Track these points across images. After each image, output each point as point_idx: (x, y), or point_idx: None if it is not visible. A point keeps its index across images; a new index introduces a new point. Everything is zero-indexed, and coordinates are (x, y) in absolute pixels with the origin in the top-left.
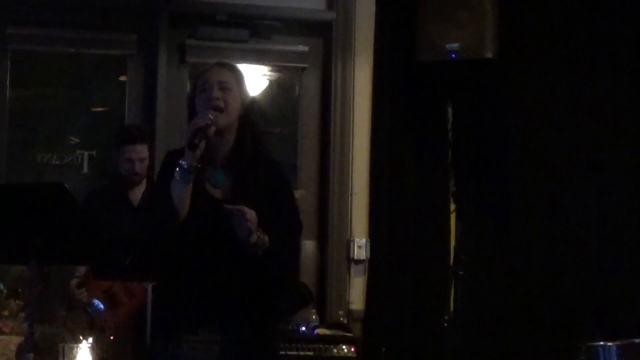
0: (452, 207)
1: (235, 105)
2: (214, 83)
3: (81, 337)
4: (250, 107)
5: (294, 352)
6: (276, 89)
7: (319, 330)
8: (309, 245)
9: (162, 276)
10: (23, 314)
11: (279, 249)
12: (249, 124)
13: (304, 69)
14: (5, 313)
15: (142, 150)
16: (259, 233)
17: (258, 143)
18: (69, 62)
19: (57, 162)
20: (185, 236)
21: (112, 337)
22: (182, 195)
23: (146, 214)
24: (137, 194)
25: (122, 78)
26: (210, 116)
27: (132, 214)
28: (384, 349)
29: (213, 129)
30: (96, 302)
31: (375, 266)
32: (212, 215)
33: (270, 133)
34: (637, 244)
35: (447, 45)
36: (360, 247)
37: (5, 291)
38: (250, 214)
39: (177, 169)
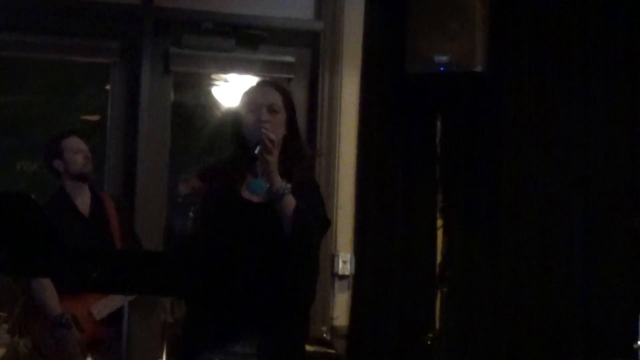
0: (440, 222)
1: (281, 127)
2: (262, 105)
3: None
4: (294, 126)
5: None
6: None
7: None
8: None
9: (191, 288)
10: (6, 326)
11: (305, 212)
12: (292, 141)
13: (290, 79)
14: None
15: (82, 144)
16: (284, 182)
17: (301, 159)
18: (54, 69)
19: (41, 171)
20: (219, 243)
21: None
22: None
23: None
24: (85, 203)
25: (108, 86)
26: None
27: (83, 224)
28: None
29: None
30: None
31: (360, 282)
32: (249, 220)
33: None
34: (624, 261)
35: (436, 58)
36: (345, 262)
37: None
38: (273, 158)
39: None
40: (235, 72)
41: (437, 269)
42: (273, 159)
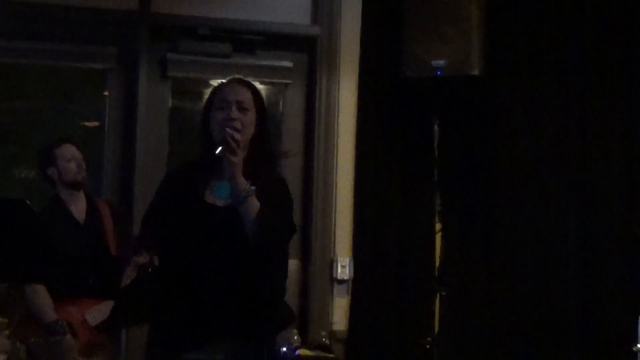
0: (438, 226)
1: (250, 126)
2: (232, 102)
3: None
4: (264, 126)
5: None
6: None
7: (300, 351)
8: (291, 265)
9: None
10: (7, 332)
11: (269, 217)
12: (261, 142)
13: (288, 84)
14: None
15: (74, 149)
16: (247, 184)
17: (269, 161)
18: (50, 75)
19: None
20: (182, 249)
21: None
22: None
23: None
24: (80, 209)
25: (106, 92)
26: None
27: (78, 231)
28: None
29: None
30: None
31: (358, 286)
32: (213, 225)
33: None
34: (621, 264)
35: (432, 62)
36: (343, 266)
37: None
38: (237, 158)
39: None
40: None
41: (436, 273)
42: (237, 159)
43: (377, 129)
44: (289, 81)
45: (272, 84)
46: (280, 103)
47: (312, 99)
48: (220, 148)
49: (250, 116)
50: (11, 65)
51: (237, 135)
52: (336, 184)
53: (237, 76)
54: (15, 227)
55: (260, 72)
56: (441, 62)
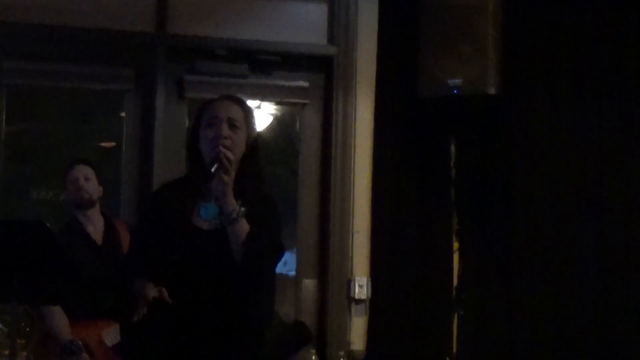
0: (455, 245)
1: (241, 144)
2: (223, 119)
3: None
4: (254, 145)
5: None
6: (276, 124)
7: None
8: (309, 284)
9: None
10: (25, 353)
11: (257, 240)
12: (251, 162)
13: (304, 104)
14: (6, 352)
15: (85, 169)
16: (238, 205)
17: (257, 181)
18: (68, 97)
19: (57, 199)
20: (169, 271)
21: None
22: None
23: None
24: (98, 231)
25: (123, 114)
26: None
27: (96, 252)
28: None
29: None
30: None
31: (376, 306)
32: (199, 249)
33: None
34: (639, 282)
35: (449, 81)
36: (361, 286)
37: (5, 329)
38: (229, 178)
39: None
40: (249, 98)
41: (454, 292)
42: (229, 179)
43: (393, 148)
44: (306, 101)
45: (288, 104)
46: (297, 123)
47: (328, 119)
48: (215, 166)
49: (241, 134)
50: (28, 87)
51: (230, 154)
52: (353, 203)
53: (228, 94)
54: (33, 249)
55: (277, 92)
56: (457, 81)
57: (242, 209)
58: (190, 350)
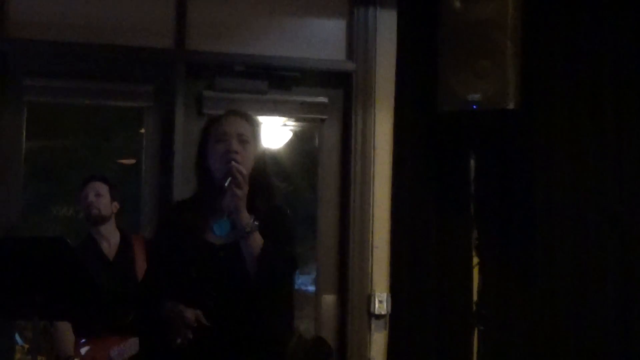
0: (475, 260)
1: (250, 158)
2: (233, 135)
3: None
4: (263, 159)
5: None
6: (295, 140)
7: None
8: (328, 300)
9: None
10: None
11: (271, 253)
12: (261, 175)
13: (323, 120)
14: None
15: (98, 185)
16: (251, 218)
17: (268, 194)
18: (87, 114)
19: (77, 216)
20: (186, 289)
21: None
22: None
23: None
24: (112, 246)
25: (143, 130)
26: (235, 169)
27: (106, 268)
28: None
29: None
30: None
31: (396, 321)
32: (214, 265)
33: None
34: None
35: (468, 96)
36: (381, 301)
37: (26, 346)
38: (242, 192)
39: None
40: (269, 114)
41: (474, 307)
42: (242, 193)
43: (413, 164)
44: (325, 117)
45: (307, 119)
46: (316, 139)
47: (347, 135)
48: (228, 180)
49: (250, 148)
50: (48, 104)
51: (242, 168)
52: (373, 218)
53: (233, 109)
54: (54, 265)
55: (296, 108)
56: (477, 96)
57: (256, 222)
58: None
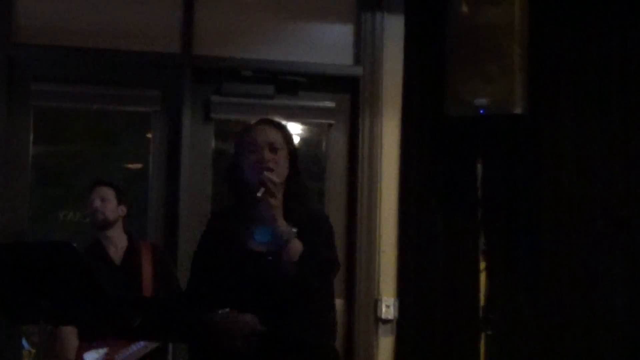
0: (482, 265)
1: (283, 166)
2: (264, 145)
3: None
4: (296, 165)
5: None
6: (302, 144)
7: None
8: (336, 305)
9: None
10: None
11: (311, 259)
12: (295, 181)
13: (330, 124)
14: None
15: (103, 190)
16: (289, 226)
17: (304, 199)
18: (95, 118)
19: (84, 221)
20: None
21: None
22: None
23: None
24: (119, 251)
25: (150, 135)
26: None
27: (112, 272)
28: None
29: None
30: None
31: (403, 326)
32: (259, 271)
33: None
34: None
35: (475, 101)
36: (388, 306)
37: (33, 351)
38: (276, 201)
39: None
40: (276, 119)
41: (481, 312)
42: (277, 202)
43: (420, 168)
44: (332, 121)
45: (314, 124)
46: (323, 143)
47: (355, 139)
48: (262, 190)
49: (282, 157)
50: (56, 109)
51: (274, 177)
52: (380, 223)
53: (266, 117)
54: (61, 269)
55: (303, 113)
56: (484, 101)
57: (294, 229)
58: None
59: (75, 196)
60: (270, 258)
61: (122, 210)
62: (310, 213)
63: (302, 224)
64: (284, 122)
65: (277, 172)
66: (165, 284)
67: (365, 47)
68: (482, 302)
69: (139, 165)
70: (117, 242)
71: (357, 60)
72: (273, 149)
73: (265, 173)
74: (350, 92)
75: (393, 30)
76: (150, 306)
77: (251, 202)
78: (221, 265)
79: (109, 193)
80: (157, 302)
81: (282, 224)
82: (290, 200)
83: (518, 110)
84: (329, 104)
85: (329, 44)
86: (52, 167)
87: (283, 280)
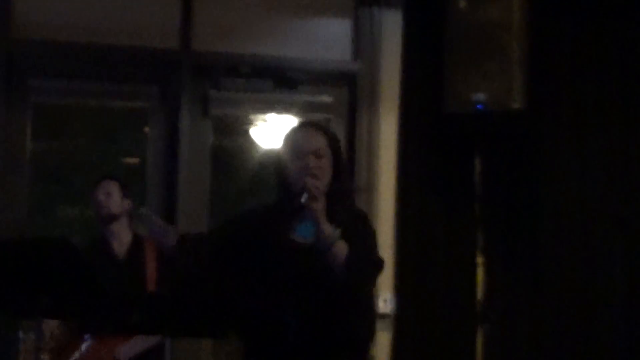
0: (480, 260)
1: (327, 170)
2: (309, 151)
3: None
4: (340, 167)
5: None
6: None
7: None
8: None
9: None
10: None
11: (357, 260)
12: (339, 183)
13: (328, 119)
14: None
15: (108, 184)
16: (333, 228)
17: (349, 200)
18: (93, 114)
19: (82, 216)
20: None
21: None
22: None
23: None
24: (123, 245)
25: (148, 130)
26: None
27: (116, 266)
28: None
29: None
30: None
31: (401, 321)
32: (302, 265)
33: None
34: None
35: (473, 96)
36: (385, 301)
37: (29, 343)
38: (319, 205)
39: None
40: (274, 113)
41: (478, 307)
42: (320, 206)
43: (418, 164)
44: (330, 117)
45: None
46: None
47: (352, 134)
48: (305, 195)
49: (326, 162)
50: (54, 105)
51: (318, 183)
52: (378, 218)
53: (309, 120)
54: (58, 265)
55: (301, 108)
56: (482, 97)
57: (338, 231)
58: None
59: (73, 192)
60: (312, 253)
61: (127, 204)
62: (353, 214)
63: (346, 224)
64: (325, 125)
65: (321, 178)
66: (169, 280)
67: (364, 43)
68: (479, 297)
69: (136, 161)
70: (122, 237)
71: (356, 55)
72: (318, 155)
73: (309, 180)
74: (348, 87)
75: (391, 26)
76: (149, 301)
77: (295, 202)
78: (259, 254)
79: (114, 187)
80: (156, 297)
81: (326, 228)
82: (333, 201)
83: (516, 106)
84: (327, 99)
85: (327, 39)
86: (50, 163)
87: (327, 279)
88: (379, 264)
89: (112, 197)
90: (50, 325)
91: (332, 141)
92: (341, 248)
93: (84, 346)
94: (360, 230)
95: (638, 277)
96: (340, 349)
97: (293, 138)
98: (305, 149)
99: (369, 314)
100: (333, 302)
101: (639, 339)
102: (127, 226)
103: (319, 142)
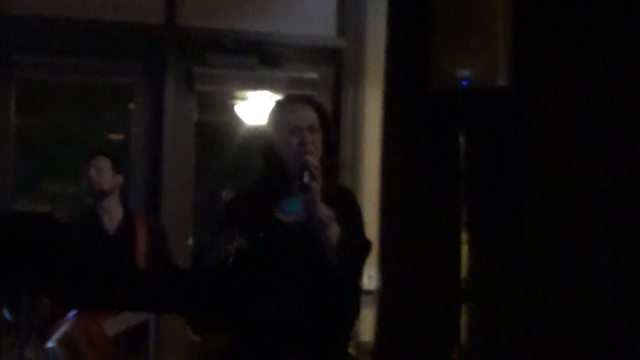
0: (465, 237)
1: (319, 147)
2: (304, 127)
3: None
4: (332, 142)
5: None
6: None
7: None
8: None
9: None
10: None
11: (350, 242)
12: (329, 160)
13: (313, 96)
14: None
15: (99, 160)
16: (327, 209)
17: (335, 178)
18: (78, 90)
19: (67, 192)
20: (256, 265)
21: None
22: None
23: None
24: (113, 221)
25: (132, 106)
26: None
27: (106, 242)
28: None
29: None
30: (51, 346)
31: (385, 297)
32: (288, 242)
33: None
34: None
35: (458, 73)
36: (370, 277)
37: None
38: (318, 184)
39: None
40: (259, 90)
41: (463, 284)
42: (317, 185)
43: (403, 141)
44: (315, 93)
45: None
46: None
47: (337, 111)
48: (307, 174)
49: (318, 137)
50: (38, 80)
51: (316, 161)
52: (362, 195)
53: (298, 94)
54: (43, 241)
55: (286, 84)
56: (467, 73)
57: (331, 213)
58: (278, 341)
59: (58, 167)
60: (297, 229)
61: (119, 179)
62: (340, 193)
63: (336, 203)
64: (315, 99)
65: (316, 155)
66: (159, 257)
67: (349, 19)
68: (464, 274)
69: (121, 137)
70: (113, 213)
71: (340, 31)
72: (312, 130)
73: (309, 158)
74: (333, 63)
75: (376, 2)
76: (135, 277)
77: (286, 177)
78: (247, 233)
79: (105, 163)
80: (142, 274)
81: (321, 208)
82: (325, 179)
83: (502, 83)
84: (312, 75)
85: (312, 15)
86: (34, 139)
87: (315, 251)
88: (367, 246)
89: (103, 173)
90: (36, 301)
91: (323, 115)
92: (334, 230)
93: (70, 320)
94: (349, 210)
95: (623, 253)
96: (324, 326)
97: (284, 112)
98: (300, 124)
99: (355, 292)
100: (320, 280)
101: (626, 312)
102: (119, 202)
103: (312, 116)
